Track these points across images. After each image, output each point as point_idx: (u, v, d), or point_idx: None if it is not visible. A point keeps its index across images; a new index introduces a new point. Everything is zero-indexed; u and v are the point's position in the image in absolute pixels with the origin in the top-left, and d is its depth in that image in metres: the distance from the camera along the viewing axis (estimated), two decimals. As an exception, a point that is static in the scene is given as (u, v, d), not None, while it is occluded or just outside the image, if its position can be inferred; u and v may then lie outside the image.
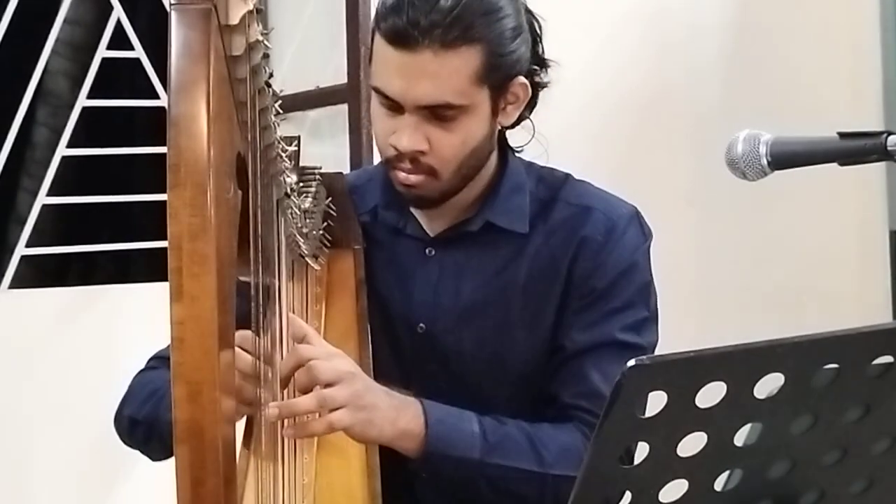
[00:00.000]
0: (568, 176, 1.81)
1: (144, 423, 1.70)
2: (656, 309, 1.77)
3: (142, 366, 1.82)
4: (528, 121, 1.78)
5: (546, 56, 1.75)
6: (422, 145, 1.65)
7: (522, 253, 1.75)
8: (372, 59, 1.69)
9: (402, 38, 1.61)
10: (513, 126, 1.77)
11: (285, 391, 1.59)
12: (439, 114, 1.64)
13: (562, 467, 1.63)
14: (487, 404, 1.74)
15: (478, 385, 1.76)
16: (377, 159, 1.84)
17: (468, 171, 1.72)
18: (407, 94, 1.63)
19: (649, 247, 1.77)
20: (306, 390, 1.50)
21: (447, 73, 1.61)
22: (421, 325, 1.77)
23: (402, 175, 1.69)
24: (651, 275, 1.77)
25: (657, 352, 1.72)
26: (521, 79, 1.70)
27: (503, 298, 1.75)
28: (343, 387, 1.49)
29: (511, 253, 1.76)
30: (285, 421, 1.48)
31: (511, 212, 1.76)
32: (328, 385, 1.49)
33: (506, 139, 1.79)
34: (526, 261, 1.75)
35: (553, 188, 1.78)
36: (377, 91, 1.67)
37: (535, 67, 1.74)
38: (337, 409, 1.49)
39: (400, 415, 1.57)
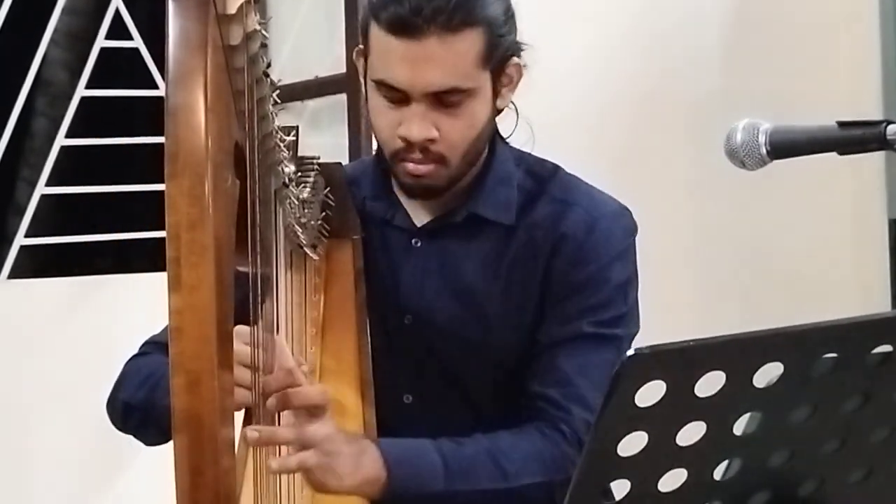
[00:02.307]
0: (557, 169, 1.79)
1: (140, 408, 1.69)
2: (636, 300, 1.75)
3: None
4: (518, 112, 1.77)
5: (522, 40, 1.73)
6: (432, 133, 1.65)
7: (506, 247, 1.74)
8: (368, 53, 1.68)
9: (405, 27, 1.60)
10: (500, 111, 1.75)
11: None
12: (446, 100, 1.64)
13: (528, 476, 1.62)
14: (473, 397, 1.74)
15: (463, 378, 1.76)
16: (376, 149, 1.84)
17: (473, 157, 1.72)
18: (415, 83, 1.62)
19: (633, 243, 1.75)
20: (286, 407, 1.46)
21: (454, 57, 1.62)
22: (408, 316, 1.76)
23: (411, 166, 1.68)
24: (634, 270, 1.75)
25: (651, 342, 1.71)
26: (515, 59, 1.71)
27: (486, 292, 1.74)
28: (322, 425, 1.46)
29: (495, 246, 1.75)
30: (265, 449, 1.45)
31: (498, 203, 1.75)
32: (313, 411, 1.46)
33: (496, 128, 1.78)
34: (509, 255, 1.74)
35: (541, 181, 1.77)
36: (381, 84, 1.66)
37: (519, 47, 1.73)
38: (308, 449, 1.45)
39: (360, 463, 1.53)
